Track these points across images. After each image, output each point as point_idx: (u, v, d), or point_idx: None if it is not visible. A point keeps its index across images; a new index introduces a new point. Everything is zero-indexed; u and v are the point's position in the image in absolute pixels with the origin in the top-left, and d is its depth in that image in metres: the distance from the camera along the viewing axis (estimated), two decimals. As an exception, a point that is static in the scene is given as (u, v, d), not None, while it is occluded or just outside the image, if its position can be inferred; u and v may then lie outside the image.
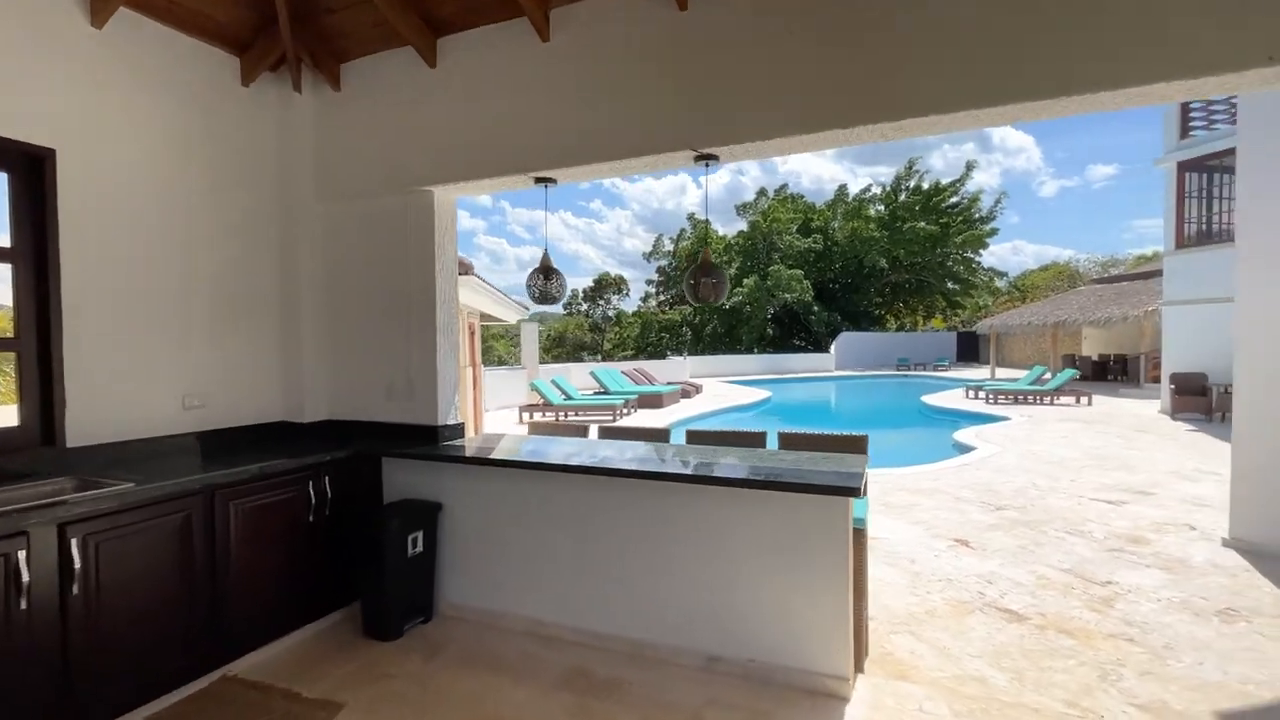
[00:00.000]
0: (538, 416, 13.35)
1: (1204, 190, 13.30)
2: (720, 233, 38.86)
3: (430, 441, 3.61)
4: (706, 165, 2.79)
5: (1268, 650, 3.22)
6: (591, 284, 49.92)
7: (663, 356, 30.59)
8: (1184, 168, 13.18)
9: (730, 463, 3.02)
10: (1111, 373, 21.79)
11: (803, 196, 38.79)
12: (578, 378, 18.16)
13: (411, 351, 3.63)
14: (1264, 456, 4.69)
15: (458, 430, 3.77)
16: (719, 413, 14.94)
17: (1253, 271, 4.81)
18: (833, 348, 31.14)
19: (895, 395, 22.10)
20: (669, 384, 17.84)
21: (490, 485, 3.38)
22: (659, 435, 3.87)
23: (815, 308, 33.27)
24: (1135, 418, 12.44)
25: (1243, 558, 4.58)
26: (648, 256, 41.71)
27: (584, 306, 50.23)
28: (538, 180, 3.12)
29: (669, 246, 40.42)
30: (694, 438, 3.79)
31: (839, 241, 35.62)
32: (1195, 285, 12.89)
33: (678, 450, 3.40)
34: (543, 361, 43.37)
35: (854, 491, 2.45)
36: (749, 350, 32.74)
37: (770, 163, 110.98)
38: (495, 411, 14.66)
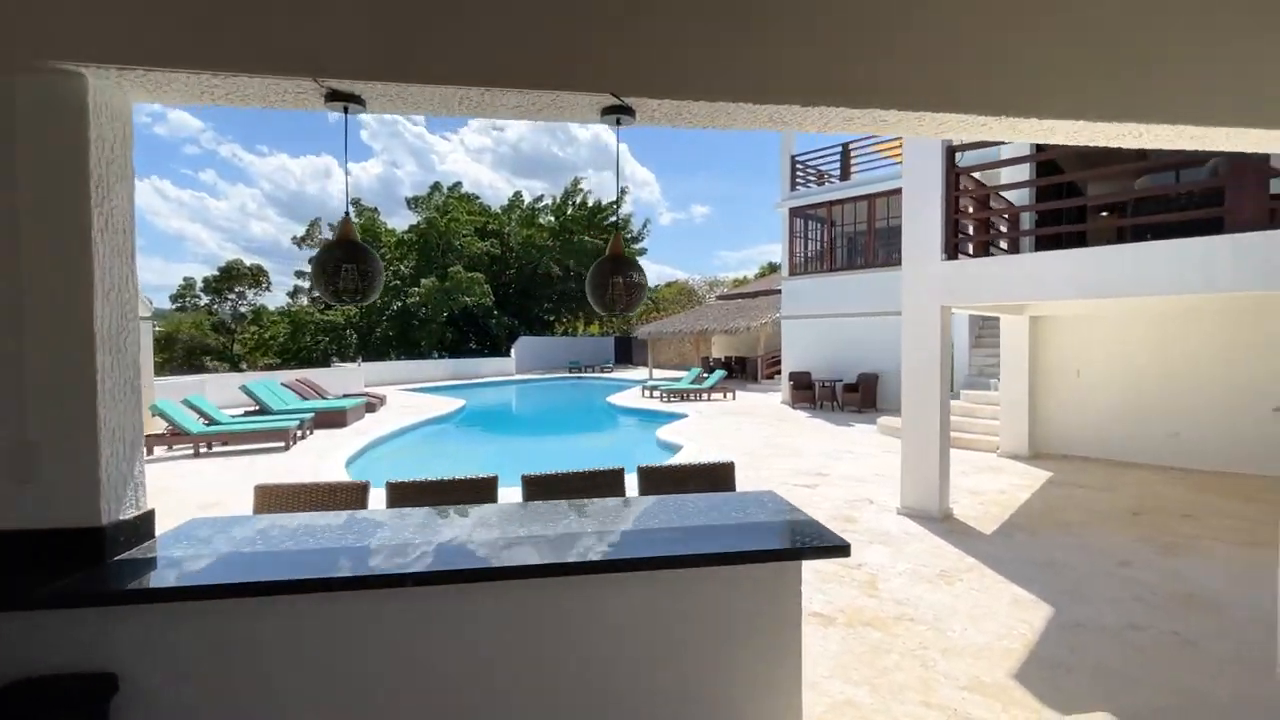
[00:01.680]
0: (176, 450, 9.69)
1: (804, 232, 17.42)
2: (389, 225, 35.39)
3: (88, 560, 1.93)
4: (618, 122, 2.07)
5: (988, 603, 4.03)
6: (216, 273, 40.17)
7: (325, 363, 26.23)
8: (794, 213, 17.04)
9: (643, 527, 2.34)
10: (734, 371, 27.09)
11: (479, 198, 38.15)
12: (217, 393, 14.01)
13: (26, 384, 1.88)
14: (920, 444, 6.08)
15: (141, 528, 2.12)
16: (417, 426, 13.29)
17: (913, 295, 6.20)
18: (513, 351, 31.33)
19: (581, 396, 23.28)
20: (349, 396, 15.18)
21: (220, 630, 1.93)
22: (481, 488, 2.89)
23: (495, 312, 32.99)
24: (770, 409, 15.50)
25: (915, 523, 5.84)
26: (300, 242, 35.34)
27: (204, 301, 40.09)
28: (334, 97, 1.89)
29: (328, 234, 35.01)
30: (537, 488, 2.94)
31: (514, 247, 36.16)
32: (803, 304, 16.78)
33: (539, 513, 2.54)
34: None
35: (839, 551, 2.06)
36: (428, 355, 30.57)
37: (428, 158, 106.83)
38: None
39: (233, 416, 11.97)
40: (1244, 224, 4.53)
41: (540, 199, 38.35)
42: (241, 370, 29.40)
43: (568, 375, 30.25)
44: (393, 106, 2.01)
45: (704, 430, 11.87)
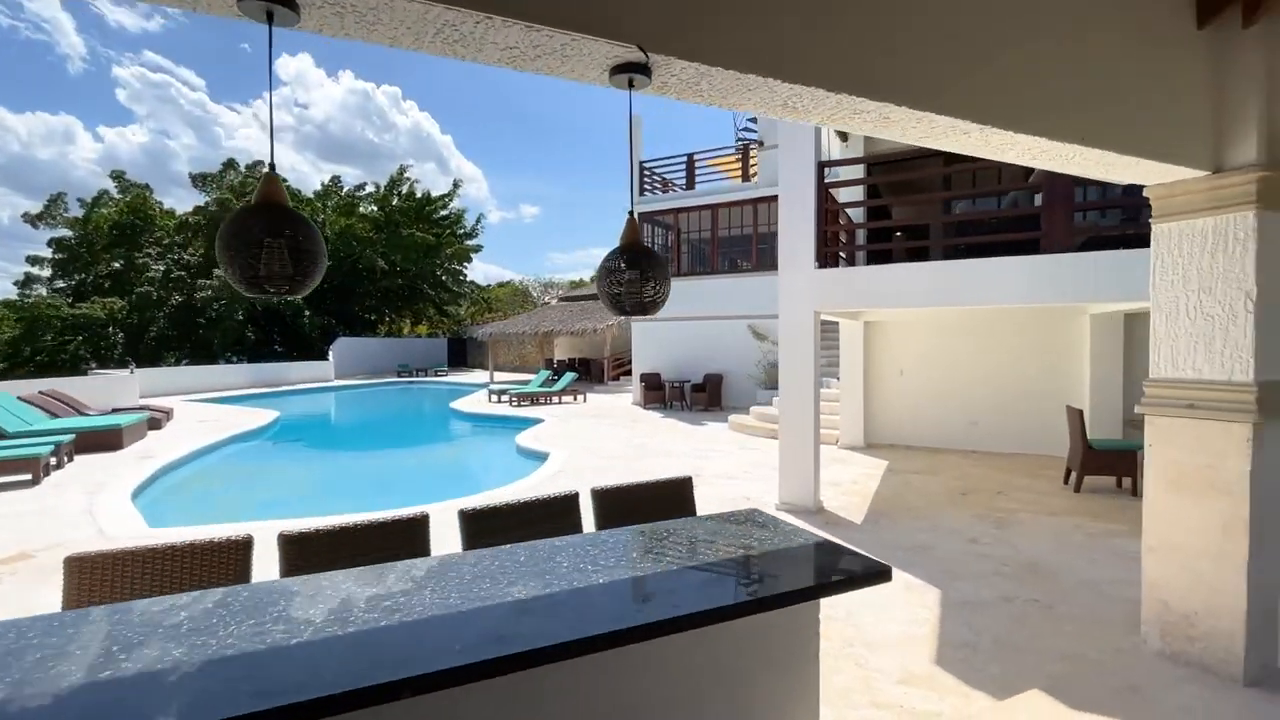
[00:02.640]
0: None
1: (652, 237, 17.83)
2: (167, 206, 29.67)
3: None
4: (630, 84, 1.73)
5: (887, 591, 4.28)
6: (-109, 252, 30.47)
7: (76, 370, 21.14)
8: (643, 218, 17.34)
9: (645, 571, 2.00)
10: (579, 373, 27.03)
11: (285, 180, 33.52)
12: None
13: None
14: (797, 441, 6.40)
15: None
16: (222, 445, 11.14)
17: (789, 301, 6.49)
18: (331, 354, 28.05)
19: (418, 403, 21.50)
20: (123, 411, 12.25)
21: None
22: (411, 531, 2.32)
23: (307, 310, 29.28)
24: (623, 410, 15.60)
25: (795, 517, 6.12)
26: (35, 221, 28.12)
27: (-128, 288, 30.23)
28: None
29: (76, 210, 28.35)
30: (479, 526, 2.43)
31: (329, 238, 32.40)
32: (652, 307, 17.15)
33: (510, 566, 2.08)
34: None
35: (881, 577, 1.90)
36: (223, 358, 26.13)
37: (211, 131, 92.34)
38: None
39: (-58, 443, 9.00)
40: (1056, 246, 5.39)
41: (361, 187, 34.85)
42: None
43: (397, 380, 27.86)
44: (340, 25, 1.46)
45: (565, 434, 11.51)
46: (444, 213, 36.17)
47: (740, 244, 16.85)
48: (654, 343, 17.21)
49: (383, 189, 35.03)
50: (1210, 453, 2.89)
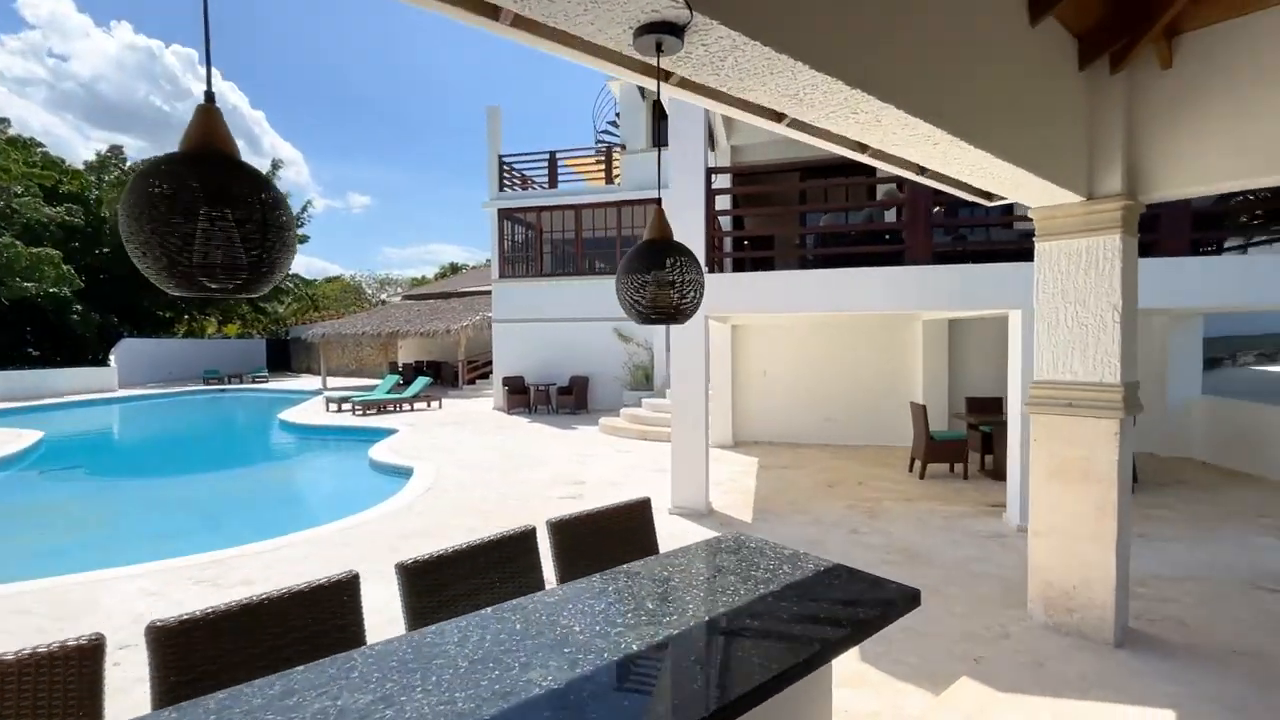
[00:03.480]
0: None
1: (513, 234, 17.14)
2: None
3: None
4: (659, 48, 1.45)
5: (797, 590, 4.38)
6: None
7: None
8: (503, 215, 16.60)
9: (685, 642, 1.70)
10: (427, 375, 25.27)
11: (41, 145, 27.26)
12: None
13: None
14: (688, 445, 6.41)
15: None
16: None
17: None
18: (113, 359, 23.32)
19: (235, 415, 18.62)
20: None
21: None
22: (330, 600, 1.81)
23: (79, 306, 24.08)
24: (485, 416, 14.79)
25: (690, 520, 6.11)
26: None
27: None
28: None
29: None
30: (421, 581, 1.96)
31: (108, 219, 26.95)
32: (515, 308, 16.48)
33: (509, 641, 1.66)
34: None
35: (913, 604, 1.78)
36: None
37: (-64, 76, 73.10)
38: None
39: None
40: (917, 259, 5.95)
41: (143, 161, 29.41)
42: None
43: (204, 388, 23.98)
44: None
45: (426, 445, 10.57)
46: (261, 197, 31.81)
47: (604, 246, 16.81)
48: (517, 345, 16.56)
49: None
50: (1085, 445, 3.29)
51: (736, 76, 1.66)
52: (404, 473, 8.64)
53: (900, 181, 6.52)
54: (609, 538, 2.54)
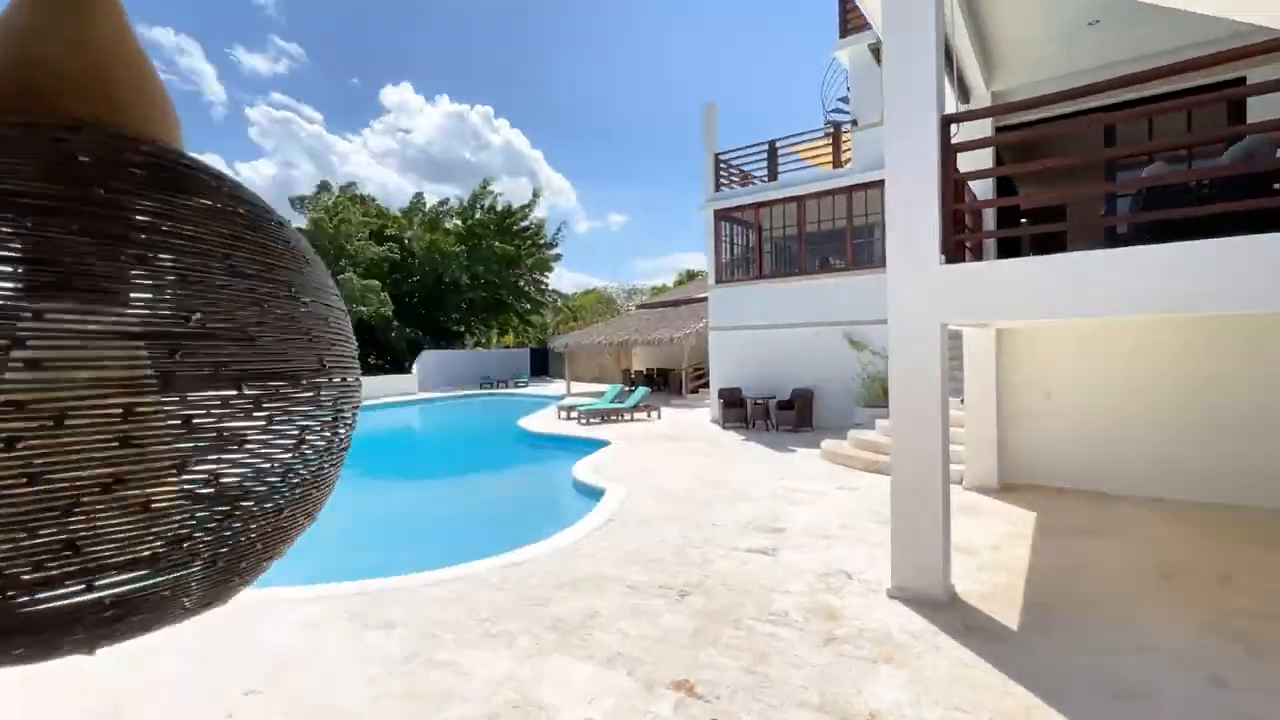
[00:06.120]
0: None
1: (731, 236, 16.15)
2: (268, 228, 31.34)
3: None
4: None
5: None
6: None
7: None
8: (719, 216, 15.72)
9: None
10: (656, 384, 25.68)
11: (374, 199, 34.74)
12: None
13: None
14: (915, 500, 4.62)
15: None
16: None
17: (902, 311, 4.74)
18: (415, 367, 28.39)
19: (490, 418, 21.00)
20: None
21: None
22: None
23: (395, 323, 29.88)
24: (700, 431, 14.01)
25: (916, 613, 4.34)
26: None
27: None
28: None
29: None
30: None
31: (417, 253, 33.12)
32: (732, 314, 15.48)
33: None
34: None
35: None
36: (313, 374, 27.06)
37: (327, 160, 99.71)
38: None
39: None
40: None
41: (445, 202, 35.47)
42: None
43: (478, 392, 27.75)
44: None
45: (629, 465, 10.11)
46: (524, 224, 36.10)
47: (832, 240, 14.83)
48: (733, 354, 15.51)
49: (465, 203, 35.46)
50: None
51: None
52: (596, 495, 8.21)
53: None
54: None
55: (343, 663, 3.87)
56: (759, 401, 14.06)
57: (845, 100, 15.94)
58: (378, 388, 25.20)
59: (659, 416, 16.49)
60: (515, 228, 35.50)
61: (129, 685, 3.66)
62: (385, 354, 31.39)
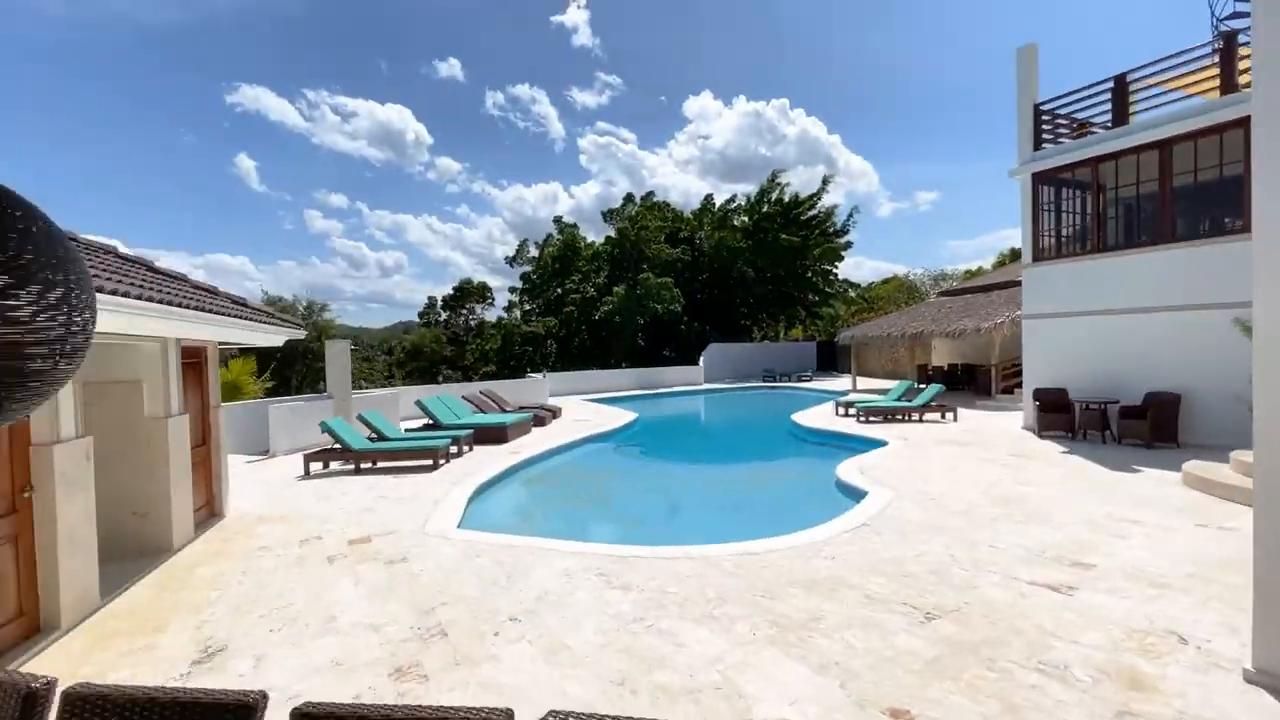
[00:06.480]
0: (335, 465, 10.19)
1: (1054, 203, 13.22)
2: (589, 240, 36.83)
3: None
4: None
5: None
6: (452, 292, 45.85)
7: (522, 374, 27.80)
8: (1039, 179, 13.00)
9: None
10: (960, 383, 22.45)
11: (669, 204, 37.85)
12: (411, 404, 14.99)
13: None
14: (1302, 553, 3.20)
15: None
16: (573, 445, 12.60)
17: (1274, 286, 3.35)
18: (701, 359, 30.16)
19: (765, 412, 21.17)
20: (519, 411, 15.23)
21: None
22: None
23: (685, 318, 32.21)
24: (1006, 436, 11.86)
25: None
26: (511, 261, 38.59)
27: (444, 316, 45.98)
28: None
29: (534, 252, 37.67)
30: None
31: (706, 251, 35.05)
32: (1055, 297, 12.70)
33: None
34: (396, 379, 38.51)
35: None
36: (619, 364, 30.90)
37: (639, 174, 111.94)
38: (287, 457, 11.23)
39: (408, 430, 12.46)
40: None
41: (732, 199, 36.69)
42: (470, 379, 32.71)
43: (760, 385, 28.12)
44: None
45: (904, 468, 9.14)
46: (812, 213, 35.18)
47: (1212, 195, 11.01)
48: (1055, 347, 12.68)
49: (753, 199, 36.15)
50: None
51: None
52: (856, 497, 7.67)
53: None
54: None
55: (584, 611, 4.41)
56: (1092, 406, 11.25)
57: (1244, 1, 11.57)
58: (667, 377, 27.48)
59: (954, 418, 14.47)
60: (802, 217, 34.83)
61: (441, 594, 4.78)
62: (677, 347, 34.06)
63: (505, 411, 15.10)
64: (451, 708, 1.52)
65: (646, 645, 3.89)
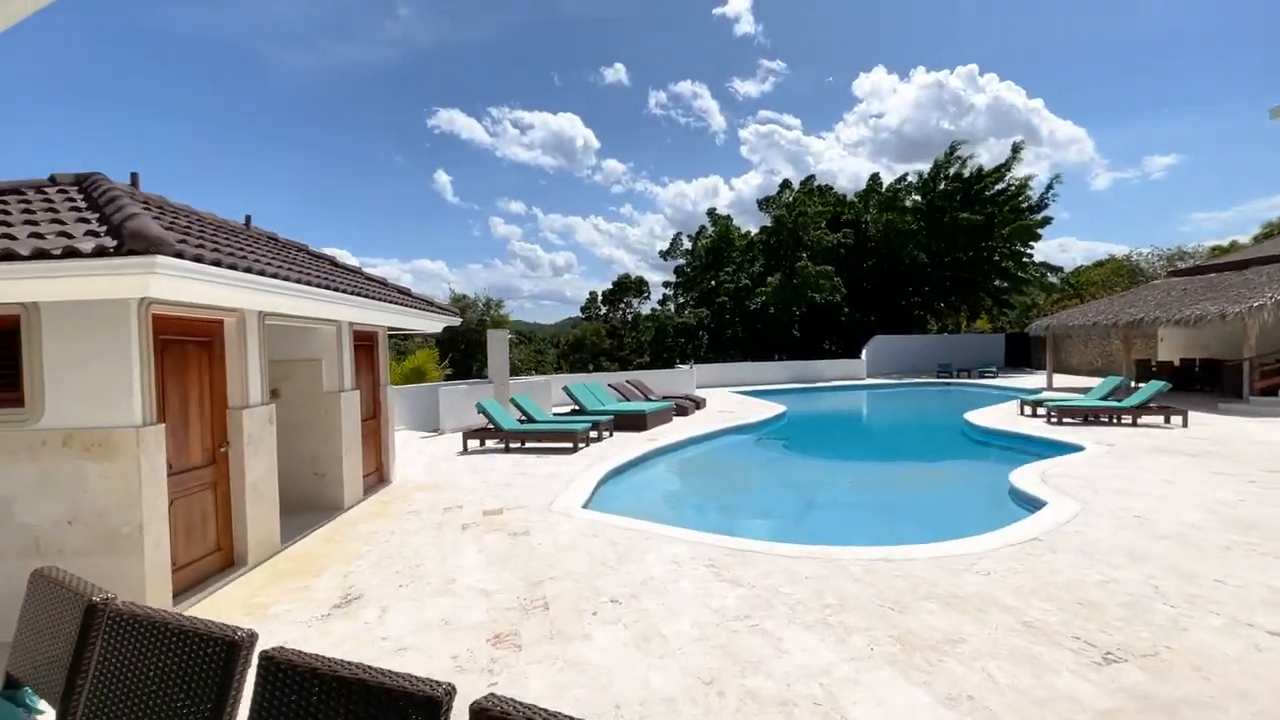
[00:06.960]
0: (489, 443, 11.05)
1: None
2: (745, 230, 36.09)
3: None
4: None
5: None
6: (611, 286, 47.81)
7: (673, 365, 28.05)
8: (1319, 118, 10.05)
9: None
10: (1197, 381, 18.34)
11: (831, 187, 35.69)
12: (562, 391, 15.82)
13: None
14: None
15: None
16: (713, 436, 12.35)
17: None
18: (864, 352, 28.04)
19: (933, 410, 19.13)
20: (661, 400, 15.31)
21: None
22: None
23: (846, 308, 30.21)
24: (1261, 449, 9.36)
25: None
26: (665, 255, 39.16)
27: (603, 310, 48.12)
28: None
29: (687, 244, 37.85)
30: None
31: (872, 236, 32.46)
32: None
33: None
34: (560, 369, 41.25)
35: None
36: (774, 356, 29.91)
37: (804, 160, 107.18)
38: (453, 435, 12.44)
39: (556, 414, 13.11)
40: None
41: (903, 178, 33.49)
42: (625, 370, 33.91)
43: (932, 381, 25.46)
44: None
45: (1101, 478, 7.59)
46: (999, 186, 30.88)
47: None
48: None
49: (927, 176, 32.72)
50: None
51: None
52: (1032, 507, 6.51)
53: None
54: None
55: (686, 601, 4.20)
56: (1398, 412, 8.44)
57: None
58: (825, 371, 26.00)
59: (1182, 423, 11.79)
60: (986, 193, 30.76)
61: (552, 568, 4.86)
62: (838, 339, 32.07)
63: (649, 400, 15.28)
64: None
65: (745, 645, 3.58)
